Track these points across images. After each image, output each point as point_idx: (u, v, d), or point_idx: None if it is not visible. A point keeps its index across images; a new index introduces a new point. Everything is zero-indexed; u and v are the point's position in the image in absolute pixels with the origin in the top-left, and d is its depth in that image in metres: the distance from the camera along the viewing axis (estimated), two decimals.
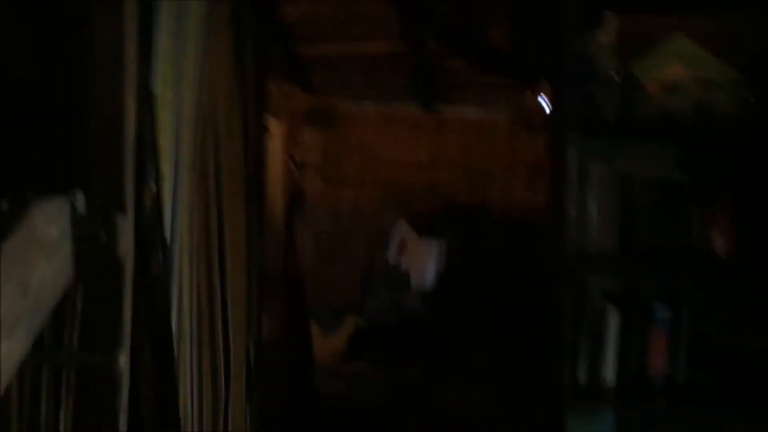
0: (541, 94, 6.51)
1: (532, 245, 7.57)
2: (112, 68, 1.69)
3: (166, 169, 2.02)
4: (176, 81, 2.06)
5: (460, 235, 7.58)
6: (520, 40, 2.77)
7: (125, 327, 1.73)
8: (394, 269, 7.53)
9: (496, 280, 7.10)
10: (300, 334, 4.96)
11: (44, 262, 1.57)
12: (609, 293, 2.53)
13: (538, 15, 2.75)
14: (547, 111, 6.71)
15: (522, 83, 4.37)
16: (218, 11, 2.50)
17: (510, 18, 2.76)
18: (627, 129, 2.52)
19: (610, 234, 2.54)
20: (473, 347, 6.57)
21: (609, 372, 2.41)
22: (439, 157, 8.02)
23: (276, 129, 4.22)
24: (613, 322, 2.41)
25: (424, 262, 7.34)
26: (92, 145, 1.74)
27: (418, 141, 8.06)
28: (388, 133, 8.06)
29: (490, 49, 2.74)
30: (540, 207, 7.94)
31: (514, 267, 7.20)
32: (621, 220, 2.55)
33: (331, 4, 6.00)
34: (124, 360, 1.65)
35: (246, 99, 2.77)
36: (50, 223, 1.61)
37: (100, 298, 1.77)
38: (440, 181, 8.00)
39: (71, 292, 1.76)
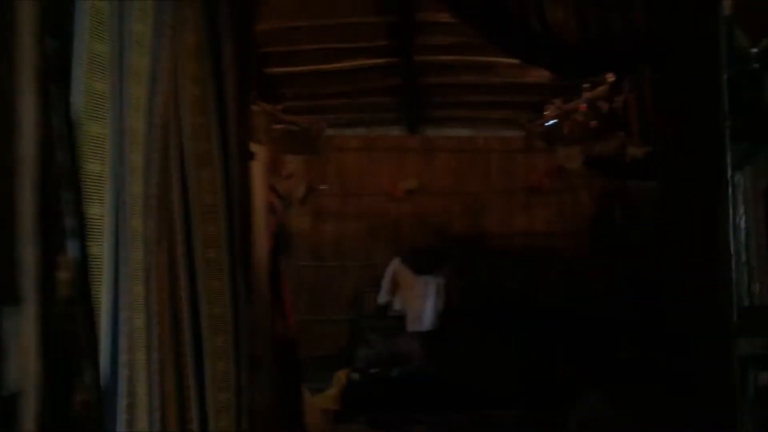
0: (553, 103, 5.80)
1: (549, 277, 6.82)
2: None
3: (100, 214, 1.19)
4: (114, 98, 1.25)
5: (459, 269, 6.78)
6: (596, 21, 2.04)
7: None
8: (386, 312, 6.69)
9: (508, 318, 6.30)
10: (291, 403, 4.09)
11: None
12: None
13: None
14: (552, 127, 6.00)
15: (592, 75, 3.61)
16: (178, 11, 1.69)
17: None
18: None
19: None
20: (492, 399, 5.75)
21: None
22: (428, 183, 7.24)
23: (257, 155, 3.42)
24: None
25: (420, 302, 6.52)
26: None
27: (406, 167, 7.28)
28: (373, 159, 7.28)
29: (550, 34, 2.02)
30: (541, 232, 7.21)
31: (532, 304, 6.43)
32: None
33: (310, 17, 5.28)
34: None
35: (224, 118, 1.95)
36: None
37: None
38: (432, 210, 7.21)
39: None
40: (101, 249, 1.20)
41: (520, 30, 2.20)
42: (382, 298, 6.65)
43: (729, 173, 1.72)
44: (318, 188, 6.96)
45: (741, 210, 1.75)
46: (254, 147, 3.41)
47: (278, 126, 4.16)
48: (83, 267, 1.04)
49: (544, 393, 5.75)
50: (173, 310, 1.58)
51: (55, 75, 1.06)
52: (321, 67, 6.19)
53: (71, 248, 1.03)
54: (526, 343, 6.17)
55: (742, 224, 1.76)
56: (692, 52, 1.86)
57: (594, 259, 6.33)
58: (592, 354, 5.83)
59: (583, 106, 4.15)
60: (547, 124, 5.48)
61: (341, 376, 6.14)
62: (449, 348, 6.28)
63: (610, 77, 3.54)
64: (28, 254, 0.99)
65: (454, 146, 7.30)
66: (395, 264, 6.68)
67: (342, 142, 7.24)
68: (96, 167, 1.18)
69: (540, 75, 6.26)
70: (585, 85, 3.94)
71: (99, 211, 1.19)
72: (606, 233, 6.17)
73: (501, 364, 6.09)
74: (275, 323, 3.57)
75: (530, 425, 5.44)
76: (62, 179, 1.05)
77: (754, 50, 1.77)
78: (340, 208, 7.16)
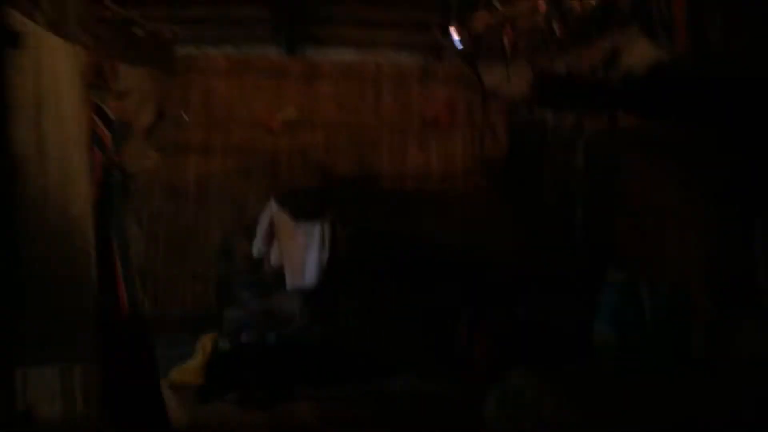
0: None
1: (448, 224, 6.02)
2: None
3: None
4: None
5: (346, 214, 5.84)
6: None
7: None
8: (261, 265, 5.67)
9: (404, 271, 5.46)
10: (136, 395, 3.05)
11: None
12: None
13: None
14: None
15: None
16: None
17: None
18: None
19: None
20: (387, 366, 4.93)
21: None
22: (310, 114, 6.19)
23: (68, 56, 2.27)
24: None
25: (301, 254, 5.55)
26: None
27: (284, 94, 6.18)
28: (245, 84, 6.12)
29: None
30: (439, 173, 6.40)
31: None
32: None
33: None
34: None
35: None
36: None
37: None
38: (315, 145, 6.19)
39: None
40: None
41: None
42: (257, 249, 5.61)
43: None
44: (177, 116, 5.76)
45: None
46: (60, 46, 2.26)
47: (108, 22, 2.97)
48: None
49: (445, 359, 5.01)
50: None
51: None
52: None
53: None
54: (425, 299, 5.37)
55: None
56: None
57: (501, 206, 5.59)
58: (498, 313, 5.14)
59: (542, 5, 3.19)
60: (457, 40, 4.50)
61: (206, 343, 5.12)
62: (336, 307, 5.39)
63: None
64: None
65: (341, 71, 6.27)
66: (272, 208, 5.64)
67: (206, 63, 6.04)
68: None
69: None
70: None
71: None
72: (520, 176, 5.45)
73: (396, 325, 5.27)
74: (104, 289, 2.50)
75: (432, 398, 4.68)
76: None
77: None
78: (205, 141, 6.00)
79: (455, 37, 4.52)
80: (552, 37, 3.16)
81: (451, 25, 5.07)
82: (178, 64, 5.24)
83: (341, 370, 4.93)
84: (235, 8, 5.78)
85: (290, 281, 5.51)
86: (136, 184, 3.29)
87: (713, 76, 2.07)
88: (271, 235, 5.59)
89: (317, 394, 4.74)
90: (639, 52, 2.35)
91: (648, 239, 4.94)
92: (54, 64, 2.17)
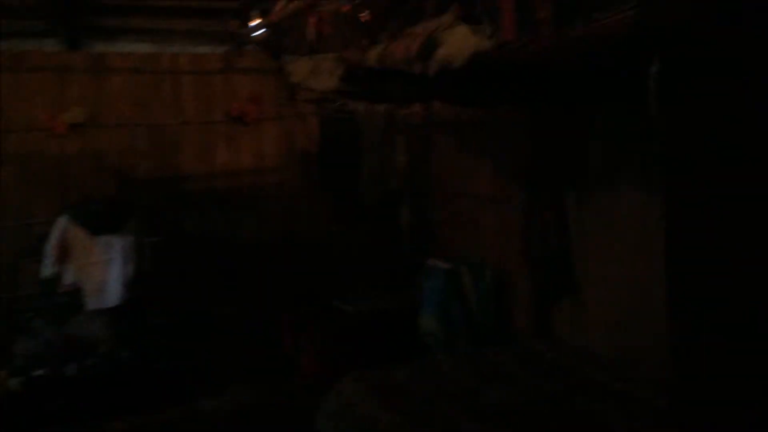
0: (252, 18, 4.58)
1: (267, 222, 5.68)
2: None
3: None
4: None
5: (150, 222, 5.33)
6: None
7: None
8: (55, 287, 5.02)
9: (222, 278, 5.06)
10: None
11: None
12: None
13: None
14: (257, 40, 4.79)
15: None
16: None
17: None
18: None
19: None
20: (204, 384, 4.55)
21: None
22: (101, 114, 5.59)
23: None
24: None
25: (102, 271, 4.97)
26: None
27: (68, 93, 5.52)
28: (20, 83, 5.39)
29: None
30: (250, 169, 6.05)
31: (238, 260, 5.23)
32: None
33: None
34: None
35: None
36: None
37: None
38: (109, 148, 5.60)
39: None
40: None
41: None
42: (47, 269, 4.95)
43: None
44: None
45: None
46: None
47: None
48: None
49: (273, 368, 4.72)
50: None
51: None
52: None
53: None
54: (246, 306, 5.04)
55: None
56: None
57: (318, 200, 5.34)
58: (322, 314, 4.92)
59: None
60: (259, 29, 4.18)
61: None
62: (147, 326, 4.90)
63: None
64: None
65: (133, 66, 5.69)
66: (62, 223, 4.99)
67: None
68: None
69: None
70: None
71: None
72: (335, 169, 5.22)
73: (216, 338, 4.90)
74: None
75: (259, 413, 4.38)
76: None
77: None
78: None
79: (256, 26, 4.19)
80: (360, 26, 2.93)
81: (251, 14, 4.72)
82: None
83: (157, 395, 4.48)
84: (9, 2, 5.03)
85: (90, 302, 4.90)
86: None
87: (540, 66, 1.97)
88: (64, 252, 4.96)
89: (130, 425, 4.28)
90: (457, 41, 2.18)
91: (466, 225, 4.93)
92: None
